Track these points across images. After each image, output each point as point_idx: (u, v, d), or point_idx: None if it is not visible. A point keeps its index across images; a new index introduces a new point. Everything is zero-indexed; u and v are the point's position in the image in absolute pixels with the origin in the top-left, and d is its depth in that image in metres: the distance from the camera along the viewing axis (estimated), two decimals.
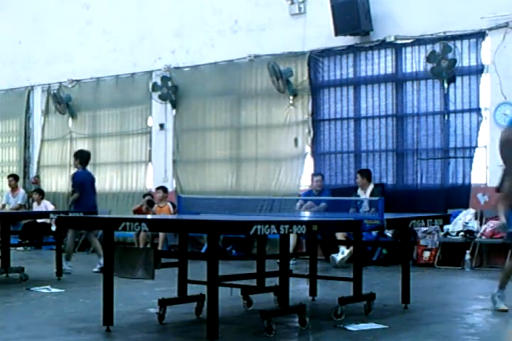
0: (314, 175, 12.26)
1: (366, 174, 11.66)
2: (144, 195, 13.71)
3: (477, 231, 10.81)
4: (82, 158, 10.93)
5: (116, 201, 15.02)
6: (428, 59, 11.30)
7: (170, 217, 9.81)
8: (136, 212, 13.20)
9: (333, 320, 6.48)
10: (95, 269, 10.23)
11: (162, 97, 14.25)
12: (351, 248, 10.35)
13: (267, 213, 11.23)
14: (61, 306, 7.44)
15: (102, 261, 9.78)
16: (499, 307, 6.94)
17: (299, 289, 7.99)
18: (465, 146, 11.18)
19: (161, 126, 14.50)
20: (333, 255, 10.90)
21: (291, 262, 8.34)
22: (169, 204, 13.13)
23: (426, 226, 8.18)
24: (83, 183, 10.73)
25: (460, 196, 11.17)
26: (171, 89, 14.14)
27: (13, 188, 15.15)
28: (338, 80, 12.45)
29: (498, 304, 6.96)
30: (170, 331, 6.24)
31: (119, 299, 6.50)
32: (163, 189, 13.34)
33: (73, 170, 15.46)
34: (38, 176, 16.51)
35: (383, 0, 11.77)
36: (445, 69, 11.10)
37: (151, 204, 13.28)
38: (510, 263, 7.05)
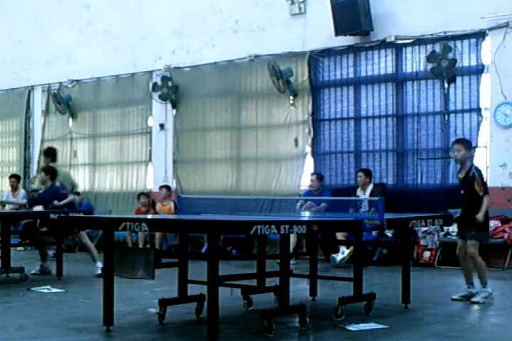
0: (310, 174, 12.28)
1: (369, 173, 11.69)
2: (139, 196, 13.79)
3: None
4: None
5: (116, 201, 15.01)
6: (428, 59, 11.30)
7: (170, 217, 9.81)
8: (136, 213, 13.29)
9: (333, 320, 6.48)
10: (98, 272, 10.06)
11: (162, 97, 14.25)
12: (351, 248, 10.37)
13: (267, 213, 11.23)
14: (61, 306, 7.44)
15: (99, 264, 9.77)
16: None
17: (299, 289, 7.99)
18: None
19: (161, 126, 14.50)
20: (334, 255, 10.90)
21: (291, 262, 8.34)
22: (172, 203, 13.22)
23: (426, 226, 8.18)
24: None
25: None
26: (171, 89, 14.14)
27: (14, 188, 15.14)
28: (338, 80, 12.45)
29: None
30: (170, 331, 6.24)
31: (119, 299, 6.51)
32: (167, 188, 13.57)
33: (71, 171, 15.49)
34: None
35: (383, 0, 11.77)
36: (445, 69, 11.10)
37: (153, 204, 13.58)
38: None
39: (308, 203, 11.78)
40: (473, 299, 7.51)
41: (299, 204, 11.92)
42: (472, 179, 7.52)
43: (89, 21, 15.66)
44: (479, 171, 7.67)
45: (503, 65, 10.79)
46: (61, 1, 16.23)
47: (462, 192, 7.63)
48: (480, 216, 7.48)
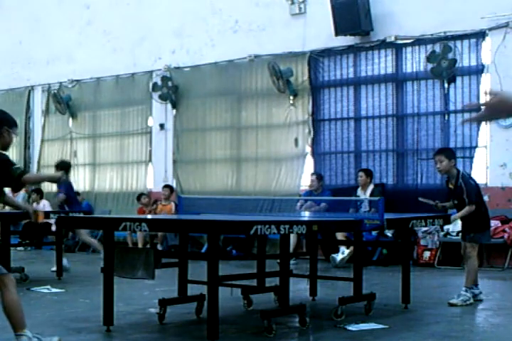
0: (310, 174, 12.28)
1: (369, 173, 11.69)
2: (139, 197, 13.85)
3: None
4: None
5: (116, 201, 15.02)
6: (428, 59, 11.30)
7: (170, 217, 9.82)
8: (138, 214, 13.33)
9: (333, 320, 6.48)
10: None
11: (162, 97, 14.26)
12: (351, 248, 10.36)
13: (267, 213, 11.23)
14: (61, 306, 7.44)
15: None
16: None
17: (299, 289, 7.99)
18: (465, 146, 11.18)
19: (161, 126, 14.50)
20: (334, 255, 10.90)
21: (291, 262, 8.34)
22: (172, 203, 13.23)
23: (426, 226, 8.18)
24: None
25: None
26: (171, 89, 14.15)
27: None
28: (338, 80, 12.46)
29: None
30: (170, 331, 6.24)
31: (119, 299, 6.50)
32: (170, 188, 13.63)
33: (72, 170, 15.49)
34: None
35: (383, 0, 11.78)
36: (445, 69, 11.11)
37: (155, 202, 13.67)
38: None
39: (309, 203, 11.78)
40: (450, 301, 7.35)
41: (299, 204, 11.92)
42: (461, 189, 7.53)
43: (89, 21, 15.67)
44: (467, 179, 7.62)
45: (503, 65, 10.79)
46: (61, 1, 16.24)
47: (456, 202, 7.65)
48: (453, 218, 7.70)
